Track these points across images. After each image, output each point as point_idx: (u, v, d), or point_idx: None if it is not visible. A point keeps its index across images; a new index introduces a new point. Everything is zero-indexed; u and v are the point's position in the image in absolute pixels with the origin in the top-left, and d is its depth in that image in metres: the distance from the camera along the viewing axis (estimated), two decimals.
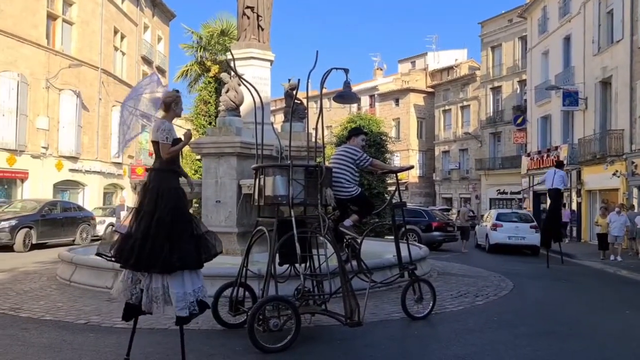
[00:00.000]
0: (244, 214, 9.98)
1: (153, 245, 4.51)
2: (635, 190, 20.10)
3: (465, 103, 43.63)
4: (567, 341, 6.31)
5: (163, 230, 4.56)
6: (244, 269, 6.16)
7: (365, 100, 51.71)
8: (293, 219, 5.71)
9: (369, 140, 18.88)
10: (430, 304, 7.03)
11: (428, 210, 22.13)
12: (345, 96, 7.05)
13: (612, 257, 15.80)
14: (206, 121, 21.56)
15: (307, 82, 6.50)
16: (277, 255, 5.95)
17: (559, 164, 14.93)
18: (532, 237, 18.39)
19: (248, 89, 7.13)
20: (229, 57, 11.32)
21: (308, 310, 6.01)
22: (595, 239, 18.78)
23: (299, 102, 11.59)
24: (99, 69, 27.30)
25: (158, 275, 4.59)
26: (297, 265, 6.07)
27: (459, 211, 24.14)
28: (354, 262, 6.78)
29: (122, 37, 30.57)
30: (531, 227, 18.80)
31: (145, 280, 4.62)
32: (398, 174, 7.94)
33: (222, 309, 6.24)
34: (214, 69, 22.52)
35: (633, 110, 20.30)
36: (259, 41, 10.98)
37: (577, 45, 25.53)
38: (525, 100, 34.18)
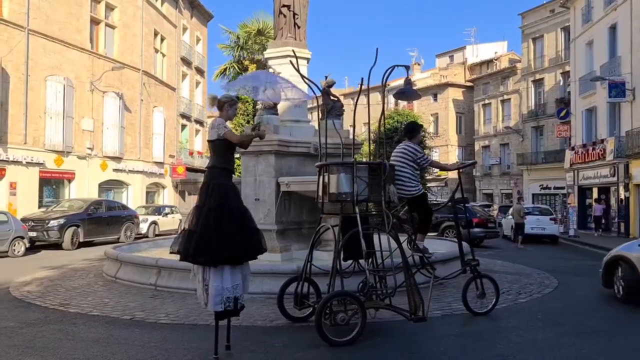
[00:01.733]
0: (282, 212, 10.06)
1: (200, 237, 4.71)
2: None
3: (505, 97, 42.66)
4: (613, 340, 6.13)
5: (210, 223, 4.73)
6: (309, 264, 6.32)
7: None
8: (358, 216, 5.80)
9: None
10: (493, 300, 7.05)
11: (468, 207, 21.77)
12: (407, 93, 7.17)
13: None
14: (244, 120, 21.84)
15: (368, 79, 6.59)
16: (342, 251, 6.05)
17: None
18: (551, 228, 21.37)
19: (309, 85, 7.30)
20: (267, 55, 11.48)
21: (373, 305, 6.13)
22: None
23: (335, 99, 11.59)
24: (140, 70, 27.98)
25: (203, 268, 4.81)
26: (360, 260, 6.26)
27: (511, 207, 24.09)
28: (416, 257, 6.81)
29: (162, 39, 31.24)
30: (550, 219, 21.66)
31: (199, 274, 4.88)
32: (458, 170, 7.67)
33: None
34: (252, 67, 22.78)
35: None
36: (296, 39, 11.02)
37: (624, 35, 24.57)
38: (569, 93, 33.15)
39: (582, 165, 28.45)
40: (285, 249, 9.84)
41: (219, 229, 4.73)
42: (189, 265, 5.12)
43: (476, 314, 6.91)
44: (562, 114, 32.33)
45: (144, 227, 21.26)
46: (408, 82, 7.14)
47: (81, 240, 17.04)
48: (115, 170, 25.89)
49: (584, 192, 29.51)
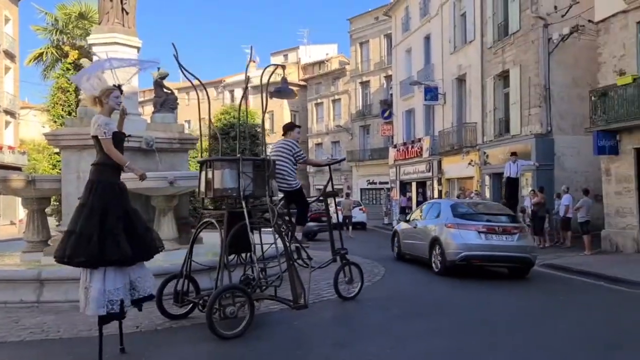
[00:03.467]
0: None
1: (80, 235, 4.48)
2: (487, 178, 22.16)
3: (336, 97, 44.97)
4: (434, 320, 6.78)
5: (93, 222, 4.51)
6: (189, 261, 6.28)
7: (238, 92, 51.09)
8: (245, 211, 5.92)
9: (243, 133, 18.70)
10: (359, 285, 7.69)
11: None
12: (283, 91, 7.57)
13: None
14: (65, 111, 19.78)
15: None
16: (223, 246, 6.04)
17: (514, 155, 16.18)
18: (361, 216, 27.23)
19: (187, 77, 6.91)
20: (90, 41, 10.53)
21: (259, 297, 6.27)
22: None
23: (169, 91, 11.10)
24: None
25: (83, 270, 4.58)
26: (249, 254, 6.38)
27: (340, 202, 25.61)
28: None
29: None
30: (359, 209, 26.80)
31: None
32: (329, 166, 8.14)
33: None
34: (73, 54, 20.69)
35: (484, 106, 22.33)
36: (124, 26, 10.27)
37: (436, 44, 27.44)
38: (392, 95, 36.08)
39: (403, 161, 31.16)
40: None
41: (103, 229, 4.51)
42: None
43: (345, 299, 7.49)
44: (386, 114, 35.12)
45: None
46: (285, 81, 7.47)
47: None
48: None
49: (404, 186, 32.37)
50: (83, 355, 5.04)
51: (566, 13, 17.43)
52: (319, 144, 46.90)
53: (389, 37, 37.26)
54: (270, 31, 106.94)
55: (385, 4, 36.60)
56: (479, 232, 10.23)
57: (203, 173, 6.25)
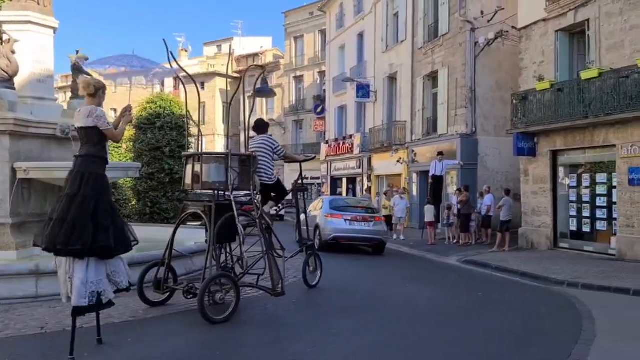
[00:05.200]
0: (20, 202, 8.63)
1: (73, 225, 4.50)
2: (414, 176, 22.71)
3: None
4: (361, 315, 6.78)
5: (86, 212, 4.57)
6: (170, 249, 6.63)
7: (169, 82, 49.55)
8: (233, 203, 6.34)
9: (170, 123, 18.09)
10: (319, 274, 8.40)
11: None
12: (264, 91, 8.33)
13: (394, 236, 17.59)
14: None
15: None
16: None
17: (441, 154, 17.54)
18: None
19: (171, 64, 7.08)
20: (1, 19, 9.71)
21: (243, 285, 6.68)
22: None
23: (90, 77, 10.46)
24: None
25: (64, 260, 4.61)
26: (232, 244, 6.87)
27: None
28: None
29: None
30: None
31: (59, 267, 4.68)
32: (300, 162, 9.06)
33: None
34: None
35: (414, 104, 22.84)
36: (39, 4, 9.54)
37: (369, 42, 27.77)
38: (325, 91, 36.22)
39: (334, 157, 31.37)
40: (22, 245, 8.46)
41: (95, 219, 4.60)
42: None
43: (310, 287, 8.16)
44: (319, 110, 35.21)
45: None
46: (265, 81, 8.06)
47: None
48: None
49: (335, 182, 32.60)
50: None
51: (492, 18, 18.12)
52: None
53: (323, 32, 37.34)
54: (203, 21, 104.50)
55: (320, 0, 36.65)
56: (346, 220, 14.03)
57: (189, 166, 6.62)
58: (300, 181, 8.36)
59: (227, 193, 6.51)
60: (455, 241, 16.36)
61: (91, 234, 4.53)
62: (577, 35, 14.76)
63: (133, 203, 18.72)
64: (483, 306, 7.81)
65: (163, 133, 17.72)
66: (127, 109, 5.15)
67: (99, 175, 4.81)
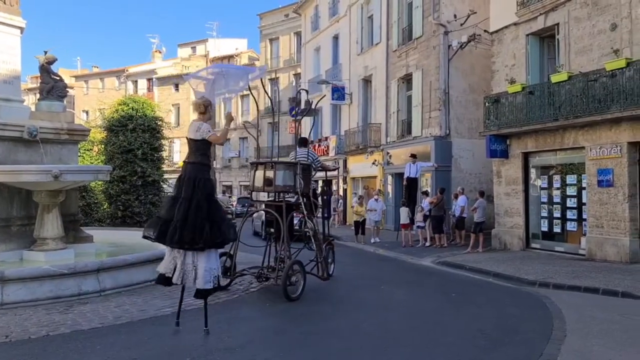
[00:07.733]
0: None
1: (194, 226, 5.32)
2: (389, 177, 22.82)
3: (245, 92, 44.13)
4: (332, 319, 6.76)
5: (202, 213, 5.40)
6: (237, 243, 7.84)
7: (143, 83, 48.96)
8: (302, 205, 8.19)
9: (142, 125, 17.82)
10: (333, 266, 9.62)
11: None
12: (309, 113, 9.44)
13: (372, 240, 17.56)
14: None
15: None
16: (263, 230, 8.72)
17: (413, 157, 17.81)
18: None
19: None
20: None
21: (305, 272, 7.92)
22: None
23: (58, 78, 10.23)
24: None
25: (190, 252, 5.45)
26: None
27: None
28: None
29: None
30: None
31: (180, 257, 5.47)
32: (326, 171, 10.53)
33: None
34: None
35: (388, 107, 22.96)
36: (5, 3, 9.30)
37: (344, 45, 27.84)
38: (300, 93, 36.14)
39: None
40: None
41: (210, 219, 5.41)
42: None
43: (330, 276, 9.03)
44: (294, 112, 35.09)
45: None
46: (309, 103, 9.06)
47: None
48: None
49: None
50: None
51: (465, 22, 18.34)
52: (227, 139, 46.00)
53: (299, 34, 37.32)
54: (177, 21, 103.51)
55: (295, 2, 36.60)
56: None
57: (260, 172, 8.19)
58: (326, 187, 9.84)
59: (287, 195, 8.22)
60: (429, 244, 16.42)
61: (209, 232, 5.36)
62: (547, 39, 15.04)
63: (105, 207, 18.36)
64: (456, 307, 7.86)
65: (135, 135, 17.45)
66: (228, 116, 6.07)
67: (207, 180, 5.65)
